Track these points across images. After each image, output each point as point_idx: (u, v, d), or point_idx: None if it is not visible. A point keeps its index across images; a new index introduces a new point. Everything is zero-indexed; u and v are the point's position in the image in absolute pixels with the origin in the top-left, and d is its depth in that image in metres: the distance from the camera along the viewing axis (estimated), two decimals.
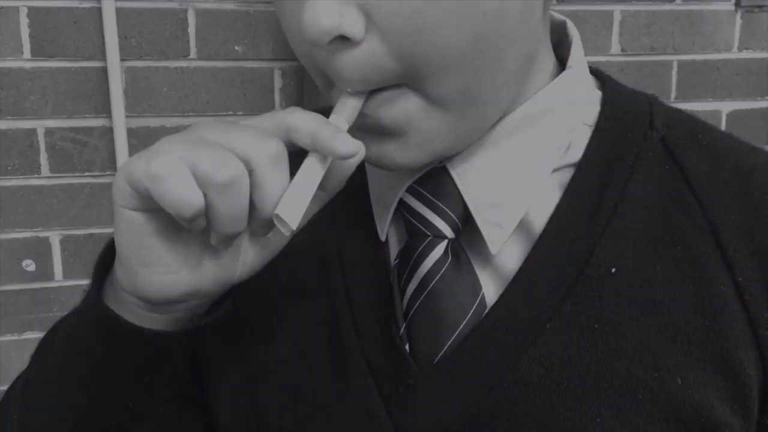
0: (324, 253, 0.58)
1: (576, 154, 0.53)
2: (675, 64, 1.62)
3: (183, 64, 1.46)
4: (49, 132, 1.44)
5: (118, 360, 0.51)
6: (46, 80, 1.41)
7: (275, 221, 0.44)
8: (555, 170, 0.53)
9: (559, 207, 0.52)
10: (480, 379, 0.50)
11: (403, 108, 0.47)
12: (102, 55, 1.42)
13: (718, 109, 1.66)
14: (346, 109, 0.46)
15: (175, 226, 0.46)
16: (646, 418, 0.48)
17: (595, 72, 0.59)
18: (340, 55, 0.44)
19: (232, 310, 0.55)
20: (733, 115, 1.67)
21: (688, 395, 0.48)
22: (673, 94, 1.62)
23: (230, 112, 1.49)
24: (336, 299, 0.56)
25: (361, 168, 0.56)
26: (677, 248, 0.50)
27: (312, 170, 0.46)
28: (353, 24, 0.43)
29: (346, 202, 0.58)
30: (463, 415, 0.50)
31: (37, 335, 1.51)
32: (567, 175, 0.53)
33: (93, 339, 0.52)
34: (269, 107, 1.51)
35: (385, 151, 0.49)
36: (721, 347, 0.48)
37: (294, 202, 0.44)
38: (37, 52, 1.40)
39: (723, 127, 1.65)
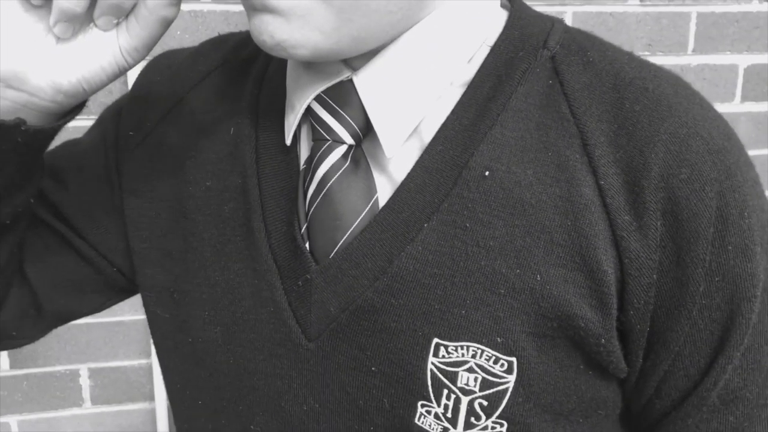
0: (243, 158, 0.63)
1: (472, 72, 0.57)
2: (694, 16, 1.60)
3: (197, 7, 1.46)
4: None
5: None
6: None
7: None
8: (452, 86, 0.57)
9: (448, 118, 0.56)
10: (364, 273, 0.55)
11: None
12: None
13: (735, 63, 1.64)
14: None
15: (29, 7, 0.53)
16: (506, 311, 0.53)
17: None
18: None
19: (165, 206, 0.65)
20: (750, 70, 1.65)
21: (547, 290, 0.52)
22: (690, 47, 1.61)
23: None
24: (251, 201, 0.61)
25: (283, 78, 0.63)
26: (548, 154, 0.54)
27: None
28: None
29: (268, 112, 0.64)
30: (349, 307, 0.56)
31: None
32: (462, 90, 0.57)
33: None
34: None
35: (265, 26, 0.52)
36: (581, 246, 0.52)
37: None
38: None
39: (740, 81, 1.64)
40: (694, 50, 1.61)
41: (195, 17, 1.46)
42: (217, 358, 0.63)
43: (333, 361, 0.57)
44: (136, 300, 1.69)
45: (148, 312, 0.70)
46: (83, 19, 0.53)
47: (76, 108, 0.60)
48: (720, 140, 0.54)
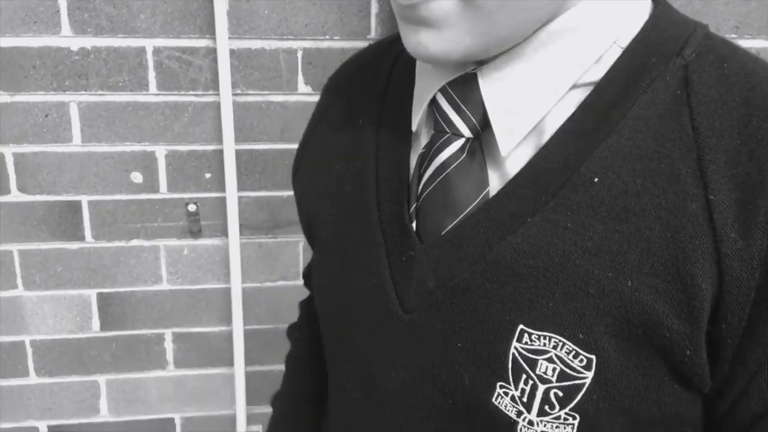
0: (366, 143, 0.68)
1: (600, 73, 0.57)
2: None
3: None
4: (156, 51, 1.51)
5: None
6: (155, 0, 1.48)
7: None
8: (577, 87, 0.57)
9: (568, 121, 0.57)
10: (464, 256, 0.58)
11: (439, 4, 0.52)
12: None
13: None
14: None
15: None
16: (592, 310, 0.53)
17: None
18: None
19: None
20: None
21: (636, 297, 0.52)
22: None
23: (327, 36, 1.52)
24: (368, 181, 0.66)
25: (411, 71, 0.66)
26: (660, 165, 0.53)
27: None
28: None
29: (393, 102, 0.68)
30: (446, 285, 0.59)
31: (142, 243, 1.62)
32: (587, 92, 0.57)
33: None
34: (365, 32, 1.53)
35: (421, 39, 0.55)
36: (678, 259, 0.52)
37: None
38: None
39: None
40: None
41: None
42: (332, 322, 0.70)
43: (424, 333, 0.60)
44: (218, 269, 1.75)
45: None
46: None
47: None
48: None
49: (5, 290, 1.61)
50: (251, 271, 1.67)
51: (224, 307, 1.69)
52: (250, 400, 1.75)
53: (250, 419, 1.77)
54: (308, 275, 0.97)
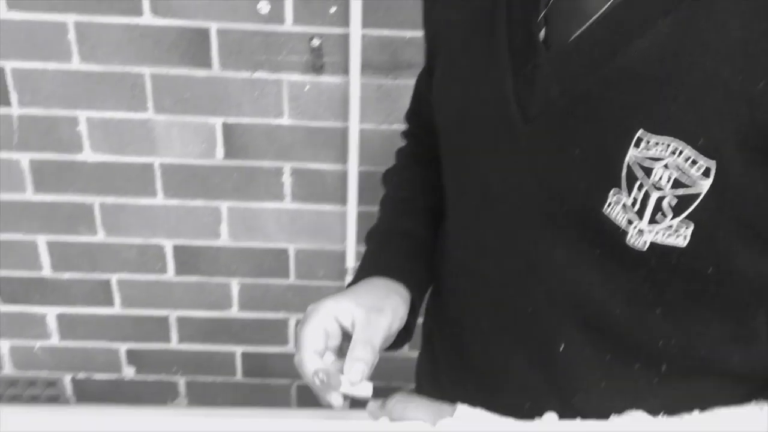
0: None
1: None
2: None
3: None
4: None
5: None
6: None
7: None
8: None
9: None
10: (588, 63, 0.56)
11: None
12: None
13: None
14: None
15: None
16: (717, 115, 0.50)
17: None
18: None
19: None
20: None
21: (767, 102, 0.49)
22: None
23: None
24: None
25: None
26: None
27: None
28: None
29: None
30: (568, 93, 0.58)
31: (266, 75, 1.64)
32: None
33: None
34: None
35: None
36: None
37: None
38: None
39: None
40: None
41: None
42: (453, 135, 0.72)
43: (543, 142, 0.61)
44: (337, 107, 1.76)
45: None
46: None
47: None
48: None
49: (137, 112, 1.69)
50: (369, 111, 1.68)
51: (341, 145, 1.71)
52: (360, 239, 1.80)
53: (359, 256, 1.83)
54: (412, 117, 0.99)
